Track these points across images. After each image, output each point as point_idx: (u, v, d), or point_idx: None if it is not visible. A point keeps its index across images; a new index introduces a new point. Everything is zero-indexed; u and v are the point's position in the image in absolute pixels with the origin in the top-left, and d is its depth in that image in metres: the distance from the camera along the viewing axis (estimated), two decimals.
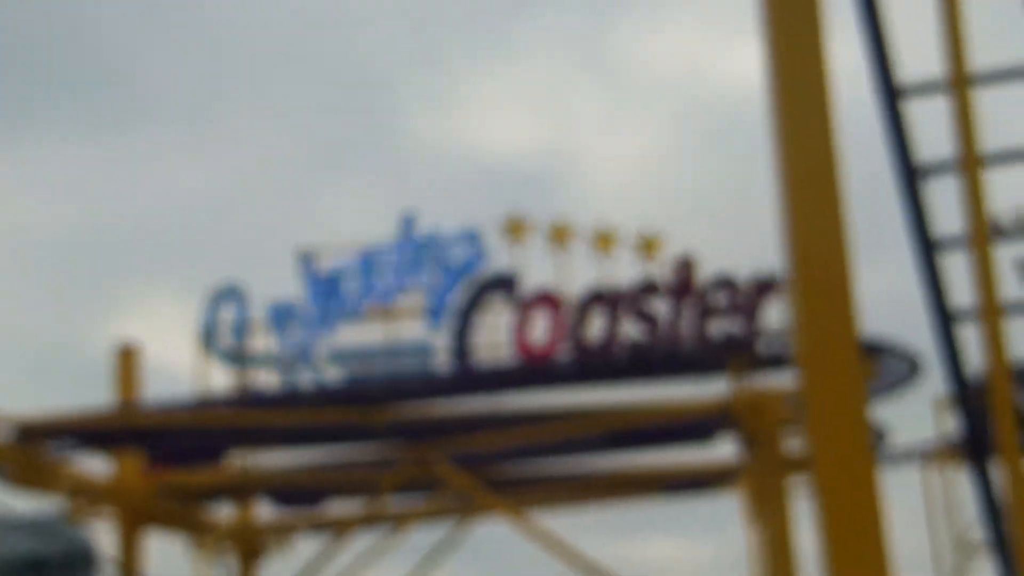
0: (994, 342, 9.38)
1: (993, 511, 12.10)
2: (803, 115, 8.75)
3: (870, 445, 8.27)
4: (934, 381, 19.46)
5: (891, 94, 10.60)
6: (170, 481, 22.34)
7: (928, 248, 11.07)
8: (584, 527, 22.76)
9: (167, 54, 58.38)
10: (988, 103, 10.07)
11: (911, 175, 10.84)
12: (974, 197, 9.67)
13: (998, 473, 12.35)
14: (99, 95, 57.46)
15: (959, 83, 9.80)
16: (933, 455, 21.66)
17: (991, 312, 9.46)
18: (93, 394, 22.40)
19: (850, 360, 8.37)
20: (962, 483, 21.68)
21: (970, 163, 9.73)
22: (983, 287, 9.55)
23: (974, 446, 12.00)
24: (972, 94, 9.83)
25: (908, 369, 19.80)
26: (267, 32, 59.60)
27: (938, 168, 10.68)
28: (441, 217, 21.42)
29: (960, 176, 10.00)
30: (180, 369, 22.06)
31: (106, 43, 57.68)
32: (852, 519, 8.02)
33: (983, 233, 9.63)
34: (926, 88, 10.42)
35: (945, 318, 11.22)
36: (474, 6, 61.20)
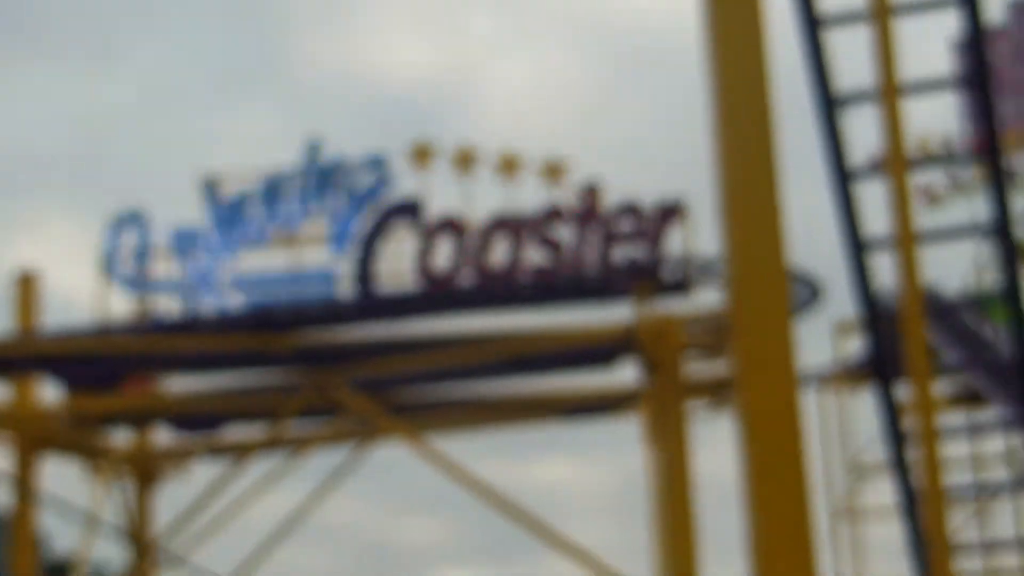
0: (908, 268, 9.63)
1: (896, 433, 12.47)
2: (736, 43, 8.91)
3: (794, 367, 8.46)
4: (833, 306, 19.85)
5: (811, 23, 10.80)
6: (68, 406, 22.23)
7: (843, 176, 11.34)
8: (483, 451, 23.02)
9: None
10: (905, 34, 10.29)
11: (829, 103, 11.06)
12: (892, 125, 9.89)
13: (903, 395, 12.68)
14: None
15: (879, 13, 9.99)
16: (829, 379, 22.07)
17: (906, 239, 9.70)
18: None
19: (779, 283, 8.58)
20: (856, 407, 22.20)
21: (889, 90, 9.94)
22: (899, 214, 9.78)
23: (881, 368, 12.34)
24: (891, 24, 10.03)
25: (809, 294, 20.15)
26: None
27: (857, 97, 10.90)
28: (340, 140, 21.43)
29: (878, 105, 10.19)
30: (79, 295, 21.95)
31: None
32: (775, 438, 8.24)
33: (900, 161, 9.85)
34: (846, 18, 10.63)
35: (858, 244, 11.50)
36: None
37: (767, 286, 8.52)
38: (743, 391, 8.35)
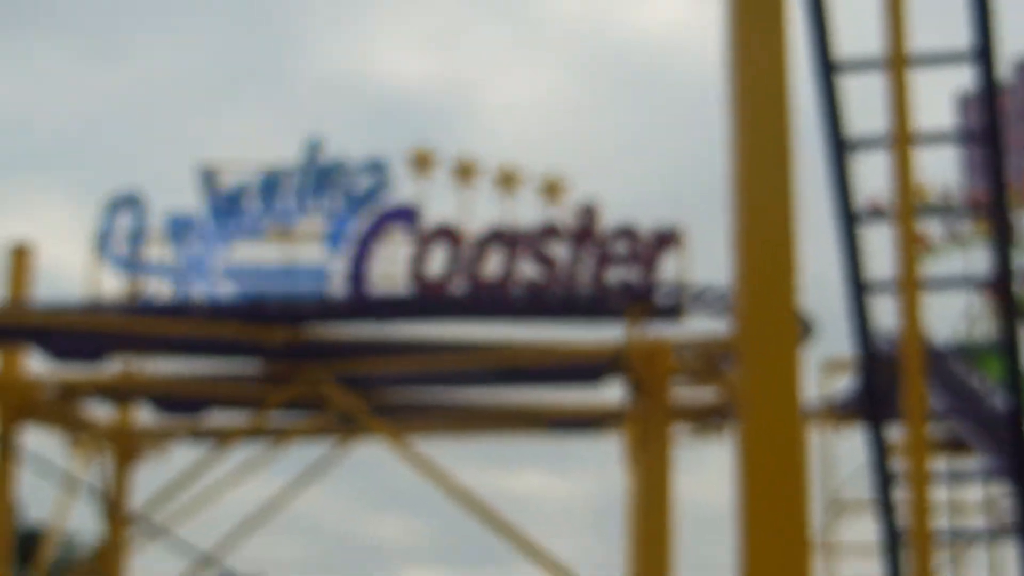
0: (910, 312, 9.82)
1: (883, 473, 12.70)
2: (758, 80, 9.10)
3: (799, 399, 8.63)
4: (819, 344, 20.06)
5: (827, 67, 11.04)
6: (53, 377, 22.40)
7: (849, 219, 11.56)
8: (464, 457, 23.17)
9: None
10: (916, 83, 10.51)
11: (840, 147, 11.29)
12: (902, 174, 10.09)
13: (892, 436, 12.93)
14: None
15: (896, 63, 10.21)
16: (813, 415, 22.24)
17: (910, 284, 9.89)
18: None
19: (787, 314, 8.75)
20: (838, 444, 22.44)
21: (901, 140, 10.15)
22: (904, 260, 9.98)
23: (873, 408, 12.57)
24: (908, 74, 10.24)
25: (801, 330, 20.30)
26: None
27: (868, 143, 11.13)
28: (340, 142, 21.61)
29: (890, 152, 10.38)
30: (71, 272, 22.13)
31: None
32: (777, 469, 8.39)
33: (908, 209, 10.06)
34: (862, 64, 10.86)
35: (859, 285, 11.73)
36: None
37: (776, 318, 8.68)
38: (746, 421, 8.51)
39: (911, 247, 9.95)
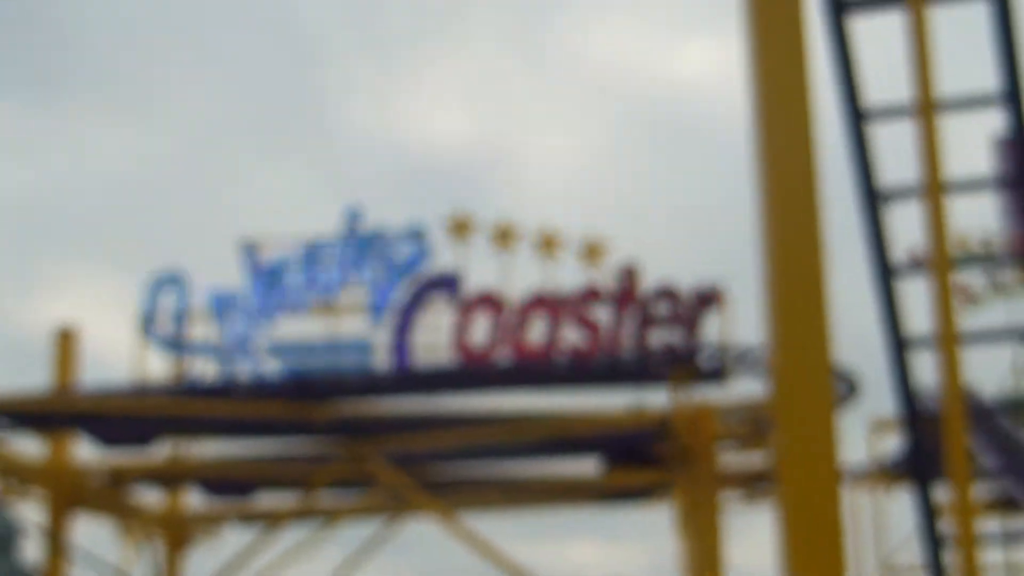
0: (950, 368, 9.49)
1: (932, 535, 12.33)
2: (784, 133, 8.81)
3: (836, 462, 8.35)
4: (868, 402, 19.67)
5: (856, 116, 10.76)
6: (103, 465, 22.27)
7: (886, 273, 11.23)
8: (513, 531, 22.86)
9: (109, 25, 57.94)
10: (952, 130, 10.22)
11: (873, 198, 10.99)
12: (936, 224, 9.76)
13: (941, 497, 12.56)
14: (33, 63, 56.97)
15: (925, 108, 9.91)
16: (864, 476, 21.82)
17: (949, 339, 9.57)
18: (22, 372, 22.29)
19: (823, 376, 8.44)
20: (890, 506, 21.98)
21: (934, 189, 9.83)
22: (941, 314, 9.65)
23: (919, 469, 12.22)
24: (938, 120, 9.94)
25: (846, 389, 19.95)
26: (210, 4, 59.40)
27: (901, 193, 10.83)
28: (375, 205, 21.44)
29: (923, 202, 10.07)
30: (115, 352, 22.00)
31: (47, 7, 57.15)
32: (815, 531, 8.11)
33: (944, 260, 9.74)
34: (892, 112, 10.58)
35: (899, 341, 11.39)
36: None
37: (811, 379, 8.37)
38: (784, 484, 8.23)
39: (947, 299, 9.61)
